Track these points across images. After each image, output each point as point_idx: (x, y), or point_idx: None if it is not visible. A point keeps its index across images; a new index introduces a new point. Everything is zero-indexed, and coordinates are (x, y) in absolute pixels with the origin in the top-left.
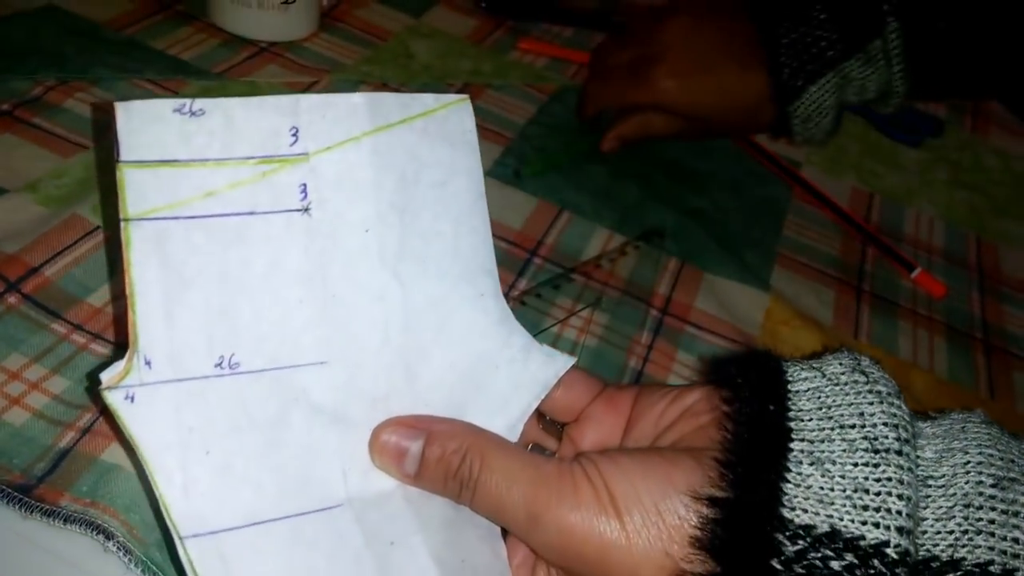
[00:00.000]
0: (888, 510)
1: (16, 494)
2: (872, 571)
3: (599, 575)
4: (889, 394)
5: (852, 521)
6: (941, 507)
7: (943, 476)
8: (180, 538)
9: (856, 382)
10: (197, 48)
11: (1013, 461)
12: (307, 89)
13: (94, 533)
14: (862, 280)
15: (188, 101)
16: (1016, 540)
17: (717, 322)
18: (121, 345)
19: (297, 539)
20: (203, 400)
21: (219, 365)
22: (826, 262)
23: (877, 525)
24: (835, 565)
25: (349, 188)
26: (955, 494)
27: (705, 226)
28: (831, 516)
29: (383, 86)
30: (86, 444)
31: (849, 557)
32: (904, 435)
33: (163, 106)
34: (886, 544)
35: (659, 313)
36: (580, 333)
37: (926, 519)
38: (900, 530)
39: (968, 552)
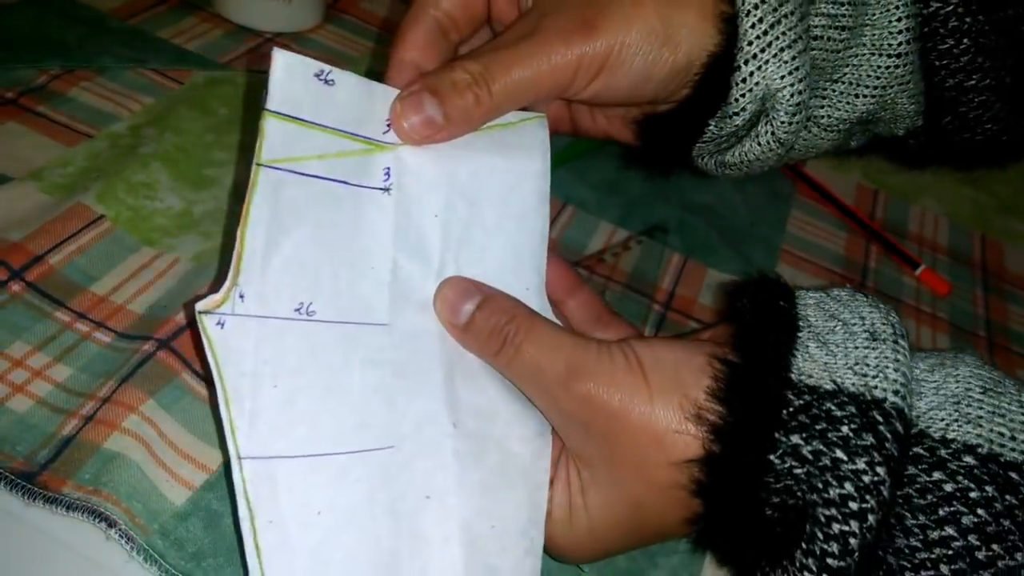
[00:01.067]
0: (886, 377)
1: (19, 481)
2: (869, 420)
3: (620, 426)
4: (887, 307)
5: (853, 385)
6: (933, 401)
7: (935, 381)
8: (240, 458)
9: (856, 299)
10: (202, 38)
11: (1000, 381)
12: None
13: (96, 521)
14: (866, 277)
15: (327, 68)
16: (1001, 433)
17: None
18: (127, 336)
19: (344, 476)
20: (279, 339)
21: (298, 310)
22: (830, 259)
23: (875, 387)
24: (837, 413)
25: (426, 177)
26: (945, 393)
27: (709, 222)
28: (834, 379)
29: None
30: (89, 432)
31: (850, 408)
32: (900, 332)
33: (308, 67)
34: (884, 400)
35: (662, 308)
36: None
37: (918, 407)
38: (896, 392)
39: (957, 435)
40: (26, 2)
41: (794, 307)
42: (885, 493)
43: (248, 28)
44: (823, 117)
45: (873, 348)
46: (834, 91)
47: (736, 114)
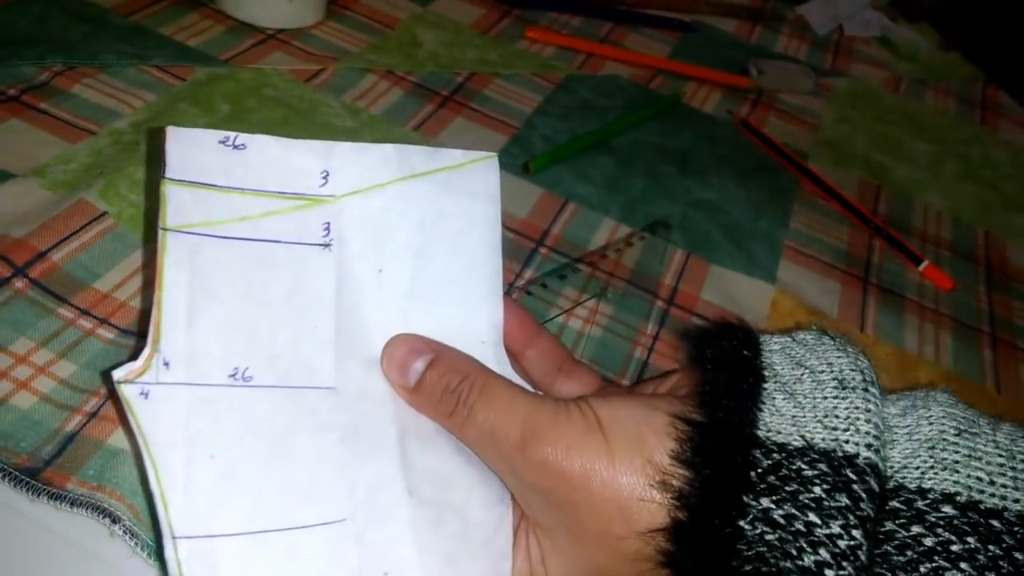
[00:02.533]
0: (857, 430)
1: (23, 477)
2: (842, 479)
3: (581, 494)
4: (855, 351)
5: (823, 440)
6: (907, 448)
7: (907, 426)
8: (173, 538)
9: (823, 343)
10: (204, 35)
11: (974, 421)
12: (314, 77)
13: (100, 516)
14: (869, 273)
15: (232, 135)
16: (979, 479)
17: (723, 314)
18: (129, 332)
19: (293, 553)
20: (214, 407)
21: (233, 376)
22: (833, 254)
23: (847, 442)
24: (808, 473)
25: (369, 230)
26: (919, 439)
27: (712, 217)
28: (804, 435)
29: (389, 74)
30: (92, 428)
31: (821, 466)
32: (869, 378)
33: (209, 136)
34: (856, 456)
35: (665, 304)
36: (585, 323)
37: (892, 457)
38: (869, 447)
39: (934, 484)
40: None
41: (758, 355)
42: (863, 558)
43: (250, 24)
44: None
45: (843, 398)
46: None
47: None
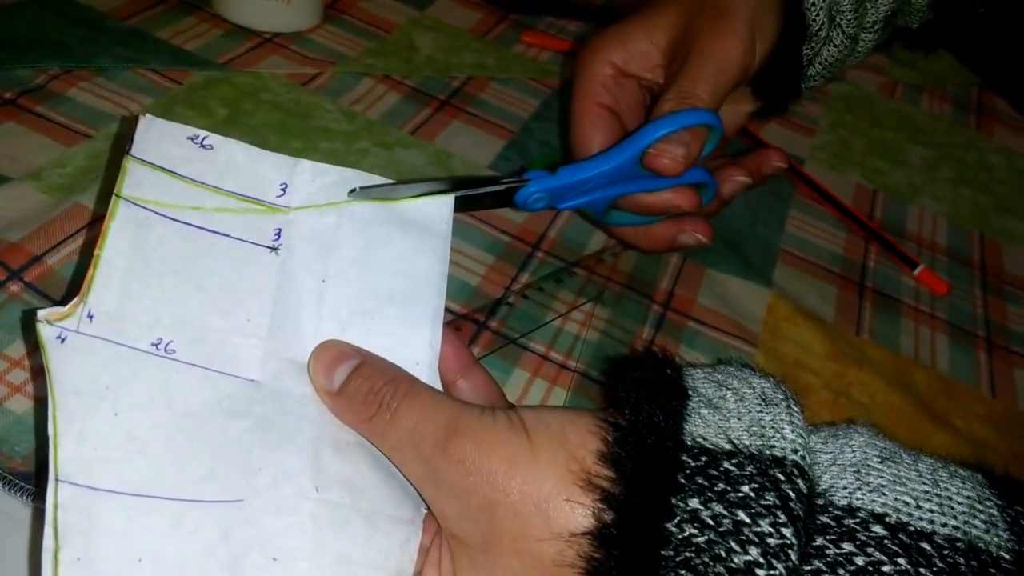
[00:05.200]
0: (783, 437)
1: (18, 482)
2: (771, 478)
3: (500, 494)
4: (777, 379)
5: (750, 445)
6: (832, 470)
7: (831, 452)
8: (57, 480)
9: (744, 370)
10: (201, 38)
11: (896, 451)
12: (310, 81)
13: None
14: (865, 277)
15: (203, 134)
16: (906, 502)
17: (719, 318)
18: None
19: (178, 524)
20: (129, 368)
21: (155, 345)
22: (829, 259)
23: (774, 447)
24: (736, 473)
25: (318, 242)
26: (843, 463)
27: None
28: (731, 439)
29: (386, 78)
30: None
31: (749, 468)
32: (792, 398)
33: (180, 131)
34: (784, 459)
35: (661, 308)
36: (582, 327)
37: (819, 478)
38: (795, 452)
39: (863, 504)
40: (25, 2)
41: (681, 378)
42: (793, 557)
43: (247, 28)
44: (866, 23)
45: (767, 411)
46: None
47: (817, 31)
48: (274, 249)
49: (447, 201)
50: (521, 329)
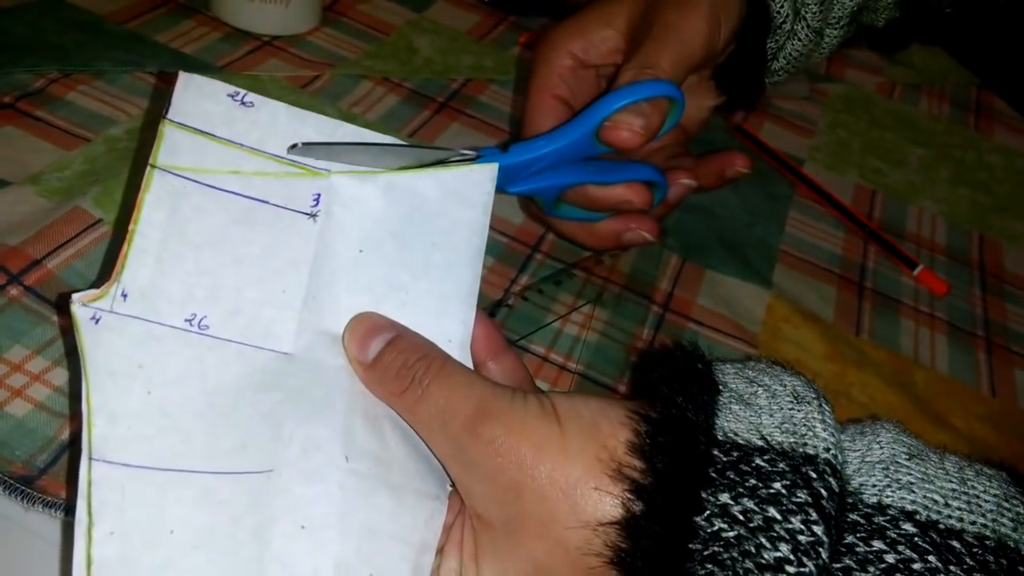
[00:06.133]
0: (815, 435)
1: (18, 485)
2: (803, 476)
3: (528, 477)
4: (808, 377)
5: (782, 442)
6: (861, 468)
7: (859, 450)
8: (90, 458)
9: (774, 367)
10: (199, 42)
11: (923, 449)
12: (309, 83)
13: None
14: (864, 277)
15: (243, 92)
16: (935, 500)
17: (719, 319)
18: None
19: (208, 496)
20: (163, 346)
21: (189, 321)
22: (828, 259)
23: (806, 445)
24: (768, 469)
25: (357, 210)
26: (871, 460)
27: (707, 223)
28: (764, 435)
29: (385, 81)
30: None
31: (781, 464)
32: (823, 396)
33: (219, 87)
34: (816, 457)
35: (660, 309)
36: (582, 329)
37: (848, 476)
38: (827, 450)
39: (892, 501)
40: (23, 6)
41: (712, 372)
42: (824, 556)
43: (246, 31)
44: (832, 18)
45: (799, 409)
46: None
47: (782, 24)
48: (312, 216)
49: (491, 170)
50: (521, 331)
